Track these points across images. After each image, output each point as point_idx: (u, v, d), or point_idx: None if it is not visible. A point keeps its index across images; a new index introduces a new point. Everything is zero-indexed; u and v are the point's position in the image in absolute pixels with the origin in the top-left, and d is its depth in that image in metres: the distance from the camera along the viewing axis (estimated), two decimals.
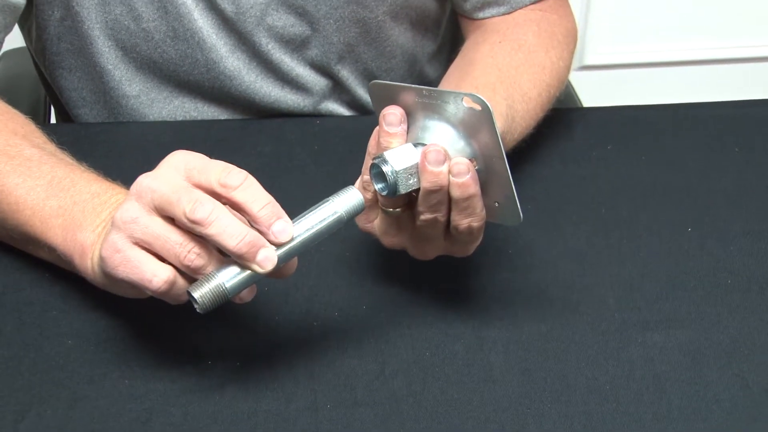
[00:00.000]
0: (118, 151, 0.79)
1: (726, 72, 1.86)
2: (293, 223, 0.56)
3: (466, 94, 0.57)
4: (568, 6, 0.86)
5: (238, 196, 0.54)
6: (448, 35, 0.95)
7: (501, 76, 0.74)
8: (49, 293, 0.66)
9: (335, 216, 0.57)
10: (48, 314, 0.65)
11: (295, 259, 0.57)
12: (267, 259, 0.54)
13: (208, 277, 0.55)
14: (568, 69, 0.82)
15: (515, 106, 0.73)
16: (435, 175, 0.58)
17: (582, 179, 0.78)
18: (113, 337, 0.63)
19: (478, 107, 0.57)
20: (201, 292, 0.54)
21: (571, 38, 0.83)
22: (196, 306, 0.55)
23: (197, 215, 0.53)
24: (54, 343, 0.63)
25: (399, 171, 0.58)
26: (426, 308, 0.66)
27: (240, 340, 0.64)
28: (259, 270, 0.55)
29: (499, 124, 0.69)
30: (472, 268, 0.69)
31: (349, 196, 0.58)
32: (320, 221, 0.57)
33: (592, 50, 1.83)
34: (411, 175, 0.58)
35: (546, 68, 0.78)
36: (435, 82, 0.94)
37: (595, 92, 1.73)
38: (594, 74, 1.84)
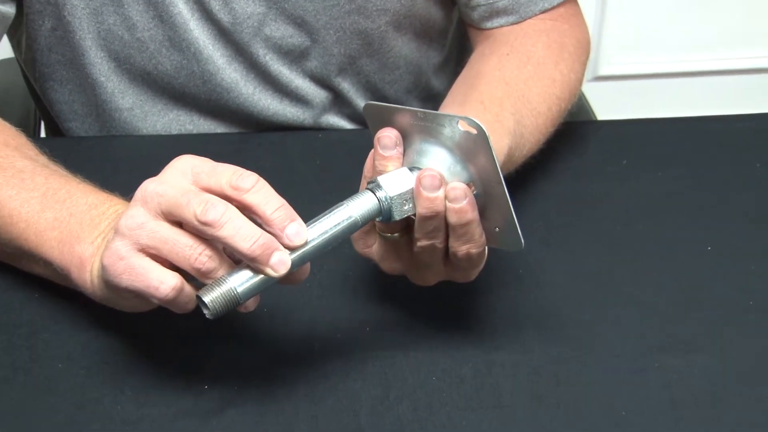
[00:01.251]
0: (111, 165, 0.80)
1: (748, 83, 1.87)
2: (306, 226, 0.57)
3: (461, 118, 0.58)
4: (581, 15, 0.86)
5: (250, 199, 0.55)
6: (456, 46, 0.95)
7: (509, 91, 0.75)
8: (39, 314, 0.67)
9: (350, 220, 0.58)
10: (38, 336, 0.65)
11: (308, 264, 0.58)
12: (281, 263, 0.55)
13: (218, 282, 0.55)
14: (579, 81, 0.83)
15: (524, 122, 0.74)
16: (430, 200, 0.58)
17: (595, 195, 0.79)
18: (105, 360, 0.64)
19: (474, 131, 0.57)
20: (212, 297, 0.55)
21: (582, 49, 0.84)
22: (206, 312, 0.55)
23: (209, 216, 0.54)
24: (44, 366, 0.64)
25: (393, 197, 0.59)
26: (432, 330, 0.67)
27: (238, 362, 0.64)
28: (273, 274, 0.55)
29: (507, 141, 0.70)
30: (480, 288, 0.69)
31: (365, 200, 0.59)
32: (334, 225, 0.58)
33: (606, 60, 1.83)
34: (406, 200, 0.59)
35: (556, 81, 0.79)
36: (442, 95, 0.95)
37: (609, 104, 1.74)
38: (608, 85, 1.85)
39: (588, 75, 0.89)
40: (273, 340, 0.66)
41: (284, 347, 0.66)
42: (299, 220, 0.56)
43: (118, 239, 0.56)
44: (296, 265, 0.56)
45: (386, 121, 0.61)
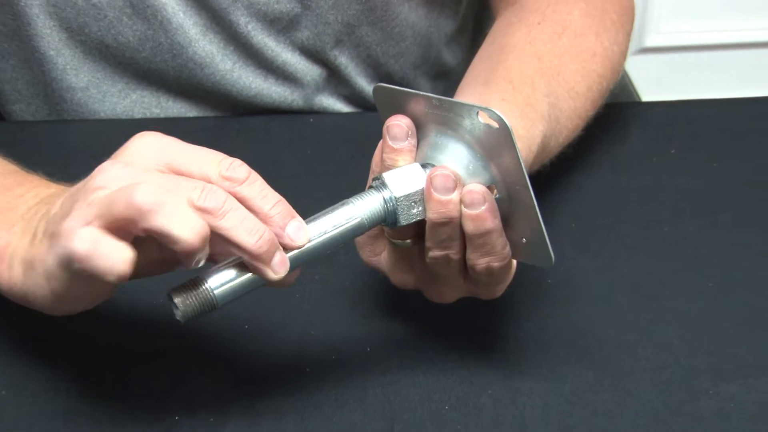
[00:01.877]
0: (63, 155, 0.81)
1: None
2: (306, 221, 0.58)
3: (481, 108, 0.58)
4: None
5: (245, 192, 0.55)
6: (471, 13, 0.96)
7: (541, 67, 0.75)
8: None
9: (355, 221, 0.59)
10: None
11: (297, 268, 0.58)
12: (282, 263, 0.56)
13: (193, 281, 0.56)
14: (623, 55, 0.83)
15: (560, 104, 0.74)
16: (442, 204, 0.59)
17: (639, 191, 0.80)
18: (57, 388, 0.65)
19: (496, 124, 0.58)
20: (183, 297, 0.55)
21: (627, 17, 0.84)
22: (176, 313, 0.56)
23: (209, 203, 0.53)
24: None
25: (400, 198, 0.59)
26: (444, 351, 0.68)
27: (214, 389, 0.65)
28: (273, 276, 0.56)
29: (541, 127, 0.70)
30: (502, 301, 0.70)
31: (374, 199, 0.59)
32: (337, 226, 0.58)
33: (653, 29, 1.83)
34: (415, 203, 0.60)
35: (597, 55, 0.79)
36: (454, 71, 0.96)
37: (656, 82, 1.75)
38: (656, 59, 1.85)
39: (632, 47, 0.90)
40: (255, 363, 0.67)
41: (269, 371, 0.66)
42: (299, 217, 0.57)
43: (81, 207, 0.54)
44: (292, 267, 0.57)
45: (398, 108, 0.62)
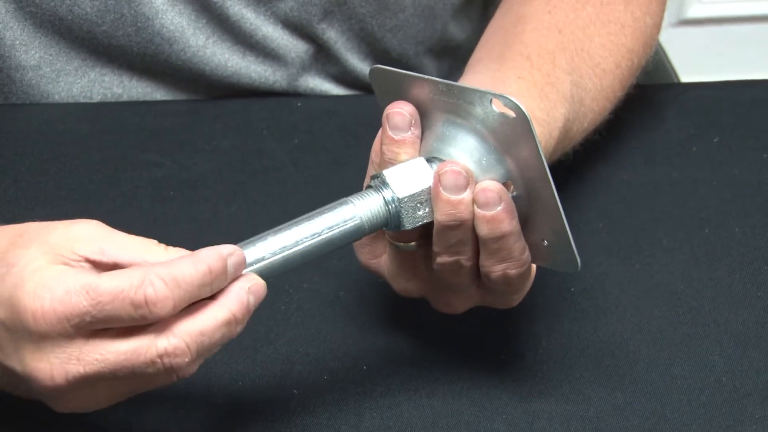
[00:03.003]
0: (11, 145, 0.81)
1: None
2: (296, 221, 0.59)
3: (495, 95, 0.59)
4: None
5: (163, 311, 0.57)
6: None
7: (563, 41, 0.76)
8: None
9: (353, 224, 0.60)
10: None
11: None
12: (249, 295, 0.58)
13: None
14: (657, 27, 0.83)
15: (584, 84, 0.75)
16: (453, 205, 0.60)
17: (676, 185, 0.80)
18: None
19: (511, 113, 0.59)
20: None
21: None
22: None
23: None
24: None
25: (403, 199, 0.60)
26: (452, 370, 0.68)
27: (187, 415, 0.66)
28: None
29: (563, 110, 0.71)
30: (519, 313, 0.71)
31: (373, 201, 0.60)
32: (332, 226, 0.60)
33: None
34: (420, 203, 0.61)
35: (626, 27, 0.79)
36: (463, 48, 0.96)
37: (697, 60, 1.74)
38: (697, 33, 1.84)
39: (670, 19, 0.90)
40: (235, 385, 0.67)
41: (251, 394, 0.67)
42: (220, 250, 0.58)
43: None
44: (277, 270, 0.59)
45: (399, 93, 0.62)
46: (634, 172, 0.81)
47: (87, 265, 0.57)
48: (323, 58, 0.90)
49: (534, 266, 0.64)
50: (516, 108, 0.58)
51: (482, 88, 0.59)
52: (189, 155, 0.82)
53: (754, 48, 1.84)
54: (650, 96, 0.86)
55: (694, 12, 1.82)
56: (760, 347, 0.70)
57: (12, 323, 0.56)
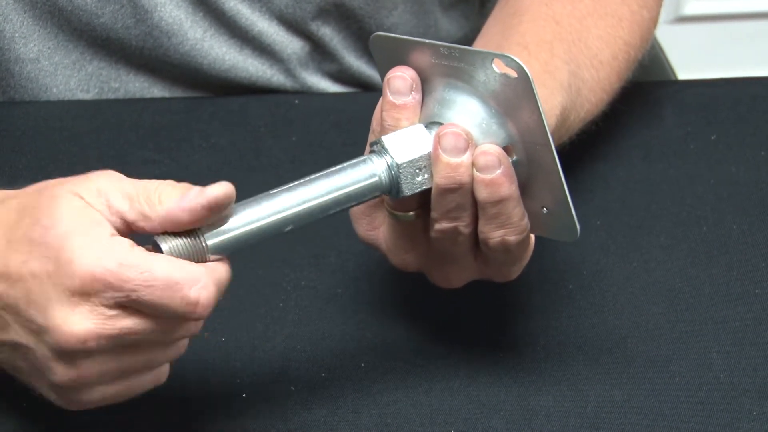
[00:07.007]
0: (9, 143, 0.82)
1: None
2: (310, 178, 0.60)
3: (497, 55, 0.59)
4: None
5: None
6: None
7: (560, 32, 0.76)
8: None
9: (372, 181, 0.60)
10: None
11: None
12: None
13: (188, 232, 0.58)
14: (654, 21, 0.84)
15: (581, 74, 0.75)
16: (452, 167, 0.60)
17: (674, 183, 0.80)
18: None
19: (514, 73, 0.59)
20: (171, 244, 0.57)
21: None
22: None
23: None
24: None
25: (402, 164, 0.61)
26: (450, 367, 0.68)
27: (185, 413, 0.66)
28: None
29: (560, 98, 0.71)
30: (516, 311, 0.71)
31: (363, 168, 0.61)
32: (349, 184, 0.60)
33: None
34: (420, 169, 0.61)
35: (624, 20, 0.80)
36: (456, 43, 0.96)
37: (695, 57, 1.74)
38: (694, 30, 1.84)
39: (667, 15, 0.90)
40: (233, 382, 0.68)
41: (248, 391, 0.67)
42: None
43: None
44: (293, 222, 0.59)
45: (400, 59, 0.63)
46: (631, 169, 0.81)
47: (120, 221, 0.58)
48: (320, 55, 0.90)
49: (533, 237, 0.64)
50: (518, 67, 0.58)
51: (484, 50, 0.60)
52: (187, 153, 0.82)
53: (752, 45, 1.84)
54: (648, 93, 0.86)
55: (691, 9, 1.83)
56: (758, 344, 0.70)
57: (56, 275, 0.56)
